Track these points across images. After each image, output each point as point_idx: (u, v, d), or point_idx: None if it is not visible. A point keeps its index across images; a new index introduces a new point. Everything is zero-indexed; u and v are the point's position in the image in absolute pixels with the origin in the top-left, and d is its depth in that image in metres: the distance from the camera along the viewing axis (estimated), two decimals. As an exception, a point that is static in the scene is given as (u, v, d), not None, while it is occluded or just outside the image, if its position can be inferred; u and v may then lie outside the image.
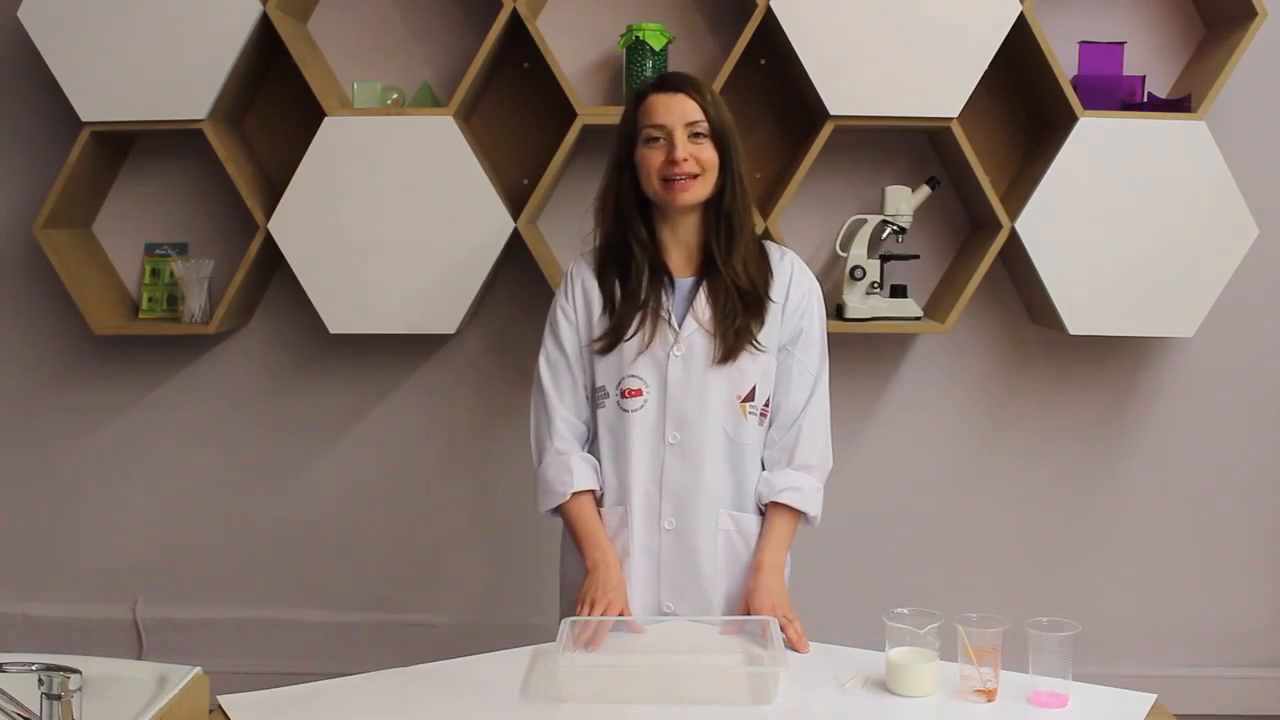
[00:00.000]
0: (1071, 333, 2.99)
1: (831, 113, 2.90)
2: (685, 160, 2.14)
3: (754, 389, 2.21)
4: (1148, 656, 3.34)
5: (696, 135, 2.17)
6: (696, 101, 2.17)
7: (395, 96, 3.09)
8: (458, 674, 1.93)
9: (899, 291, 3.10)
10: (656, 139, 2.17)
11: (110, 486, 3.38)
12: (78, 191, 3.13)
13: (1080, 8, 3.14)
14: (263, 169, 3.20)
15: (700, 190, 2.17)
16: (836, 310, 3.10)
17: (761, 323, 2.21)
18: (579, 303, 2.27)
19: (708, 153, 2.17)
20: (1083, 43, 3.07)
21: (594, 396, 2.26)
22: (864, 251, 3.06)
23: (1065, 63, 3.01)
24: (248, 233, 3.11)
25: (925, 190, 3.07)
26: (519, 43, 3.10)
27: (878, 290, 3.07)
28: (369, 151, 2.97)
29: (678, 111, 2.17)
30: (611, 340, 2.21)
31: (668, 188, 2.16)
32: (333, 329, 3.04)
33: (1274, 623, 3.36)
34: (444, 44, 3.19)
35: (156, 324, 3.20)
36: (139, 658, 3.34)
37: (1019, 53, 2.99)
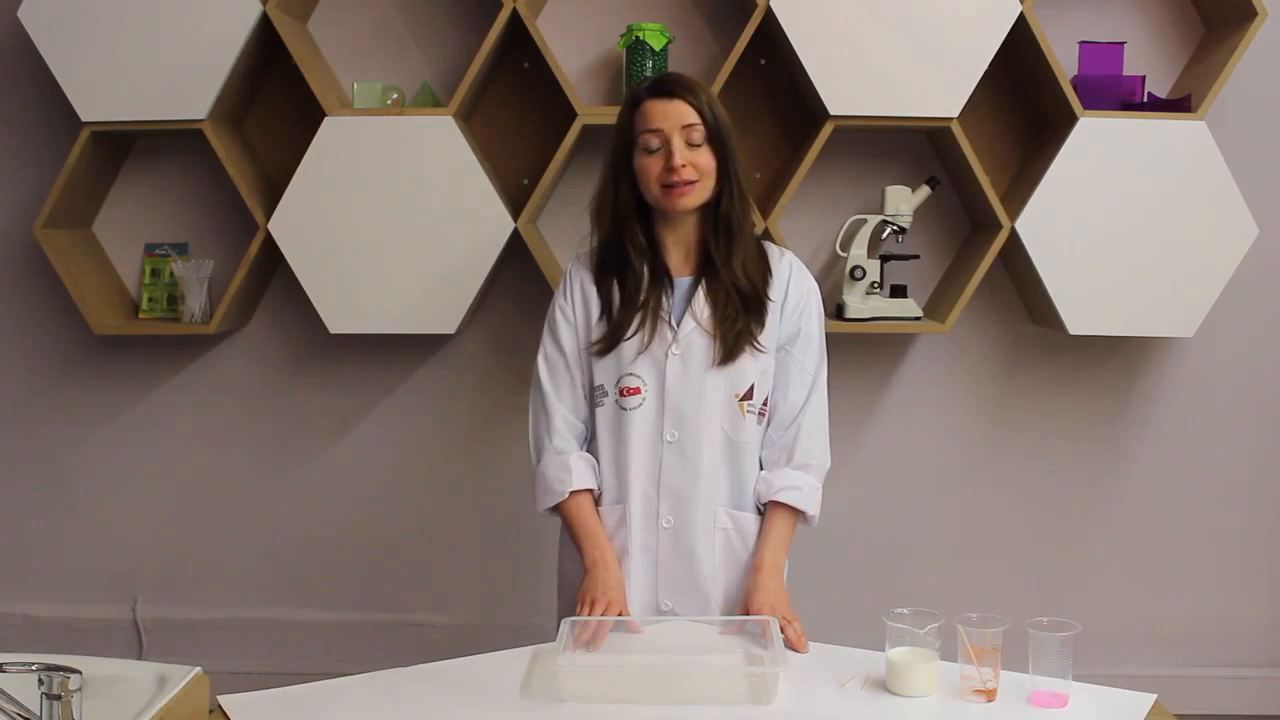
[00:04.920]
0: (1071, 333, 2.99)
1: (831, 113, 2.90)
2: (684, 167, 2.14)
3: (752, 388, 2.22)
4: (1148, 656, 3.34)
5: (693, 140, 2.17)
6: (692, 105, 2.17)
7: (395, 96, 3.09)
8: (458, 674, 1.93)
9: (899, 291, 3.10)
10: (654, 146, 2.17)
11: (110, 486, 3.38)
12: (78, 191, 3.13)
13: (1080, 8, 3.14)
14: (263, 169, 3.20)
15: (699, 195, 2.18)
16: (836, 310, 3.10)
17: (762, 324, 2.21)
18: (578, 303, 2.27)
19: (705, 158, 2.17)
20: (1083, 43, 3.07)
21: (592, 395, 2.26)
22: (864, 251, 3.06)
23: (1065, 63, 3.01)
24: (248, 233, 3.11)
25: (925, 190, 3.07)
26: (519, 43, 3.10)
27: (878, 290, 3.07)
28: (369, 151, 2.97)
29: (674, 117, 2.16)
30: (610, 343, 2.22)
31: (667, 194, 2.17)
32: (333, 329, 3.04)
33: (1274, 623, 3.36)
34: (444, 44, 3.19)
35: (156, 324, 3.20)
36: (139, 658, 3.35)
37: (1019, 53, 2.99)
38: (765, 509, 2.25)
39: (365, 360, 3.31)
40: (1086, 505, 3.33)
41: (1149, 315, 3.01)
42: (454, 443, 3.34)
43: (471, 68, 2.96)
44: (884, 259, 3.08)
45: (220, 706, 1.79)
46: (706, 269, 2.22)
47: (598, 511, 2.24)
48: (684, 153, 2.15)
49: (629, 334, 2.20)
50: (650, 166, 2.17)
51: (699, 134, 2.16)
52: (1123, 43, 3.07)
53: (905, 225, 3.05)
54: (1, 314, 3.35)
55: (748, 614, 2.13)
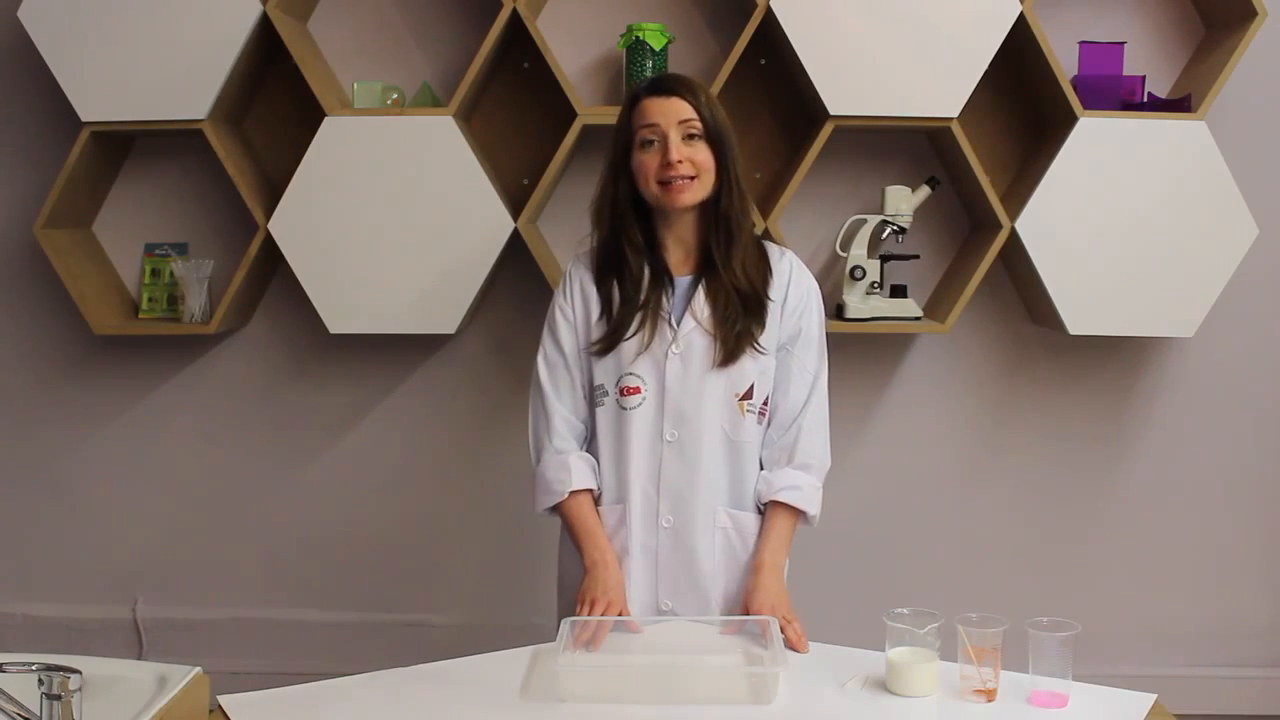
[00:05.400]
0: (1071, 333, 2.99)
1: (831, 113, 2.90)
2: (680, 162, 2.14)
3: (752, 387, 2.22)
4: (1148, 656, 3.34)
5: (690, 136, 2.17)
6: (690, 102, 2.17)
7: (395, 96, 3.09)
8: (458, 674, 1.93)
9: (899, 291, 3.10)
10: (651, 141, 2.17)
11: (110, 486, 3.38)
12: (78, 191, 3.13)
13: (1080, 8, 3.14)
14: (263, 169, 3.20)
15: (697, 192, 2.17)
16: (836, 310, 3.10)
17: (762, 324, 2.21)
18: (577, 303, 2.27)
19: (702, 154, 2.17)
20: (1083, 43, 3.07)
21: (592, 395, 2.26)
22: (864, 251, 3.06)
23: (1065, 63, 3.01)
24: (248, 233, 3.11)
25: (925, 190, 3.07)
26: (519, 43, 3.10)
27: (878, 290, 3.07)
28: (369, 151, 2.97)
29: (671, 113, 2.17)
30: (609, 343, 2.22)
31: (665, 190, 2.17)
32: (333, 329, 3.04)
33: (1274, 623, 3.36)
34: (444, 44, 3.19)
35: (156, 324, 3.20)
36: (139, 658, 3.35)
37: (1019, 53, 2.99)
38: (765, 509, 2.25)
39: (365, 360, 3.31)
40: (1086, 505, 3.33)
41: (1149, 315, 3.01)
42: (454, 443, 3.34)
43: (471, 68, 2.96)
44: (884, 259, 3.08)
45: (220, 706, 1.79)
46: (706, 268, 2.22)
47: (597, 511, 2.24)
48: (680, 148, 2.15)
49: (629, 334, 2.20)
50: (648, 162, 2.17)
51: (696, 129, 2.17)
52: (1123, 43, 3.07)
53: (905, 225, 3.05)
54: (1, 314, 3.35)
55: (748, 614, 2.13)
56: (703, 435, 2.20)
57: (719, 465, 2.22)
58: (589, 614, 2.08)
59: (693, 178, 2.16)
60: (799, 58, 2.88)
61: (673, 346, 2.20)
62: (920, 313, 3.10)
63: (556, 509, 2.24)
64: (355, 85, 3.08)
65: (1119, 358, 3.28)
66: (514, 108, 3.19)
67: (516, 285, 3.24)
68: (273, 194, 3.08)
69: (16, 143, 3.27)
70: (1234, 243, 2.98)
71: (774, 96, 3.17)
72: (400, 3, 3.19)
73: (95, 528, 3.39)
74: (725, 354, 2.18)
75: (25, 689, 1.44)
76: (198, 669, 1.68)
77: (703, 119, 2.17)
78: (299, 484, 3.37)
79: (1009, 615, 1.82)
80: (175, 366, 3.35)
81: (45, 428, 3.37)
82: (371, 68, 3.19)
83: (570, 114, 2.98)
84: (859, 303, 3.06)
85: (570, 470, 2.22)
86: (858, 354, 3.24)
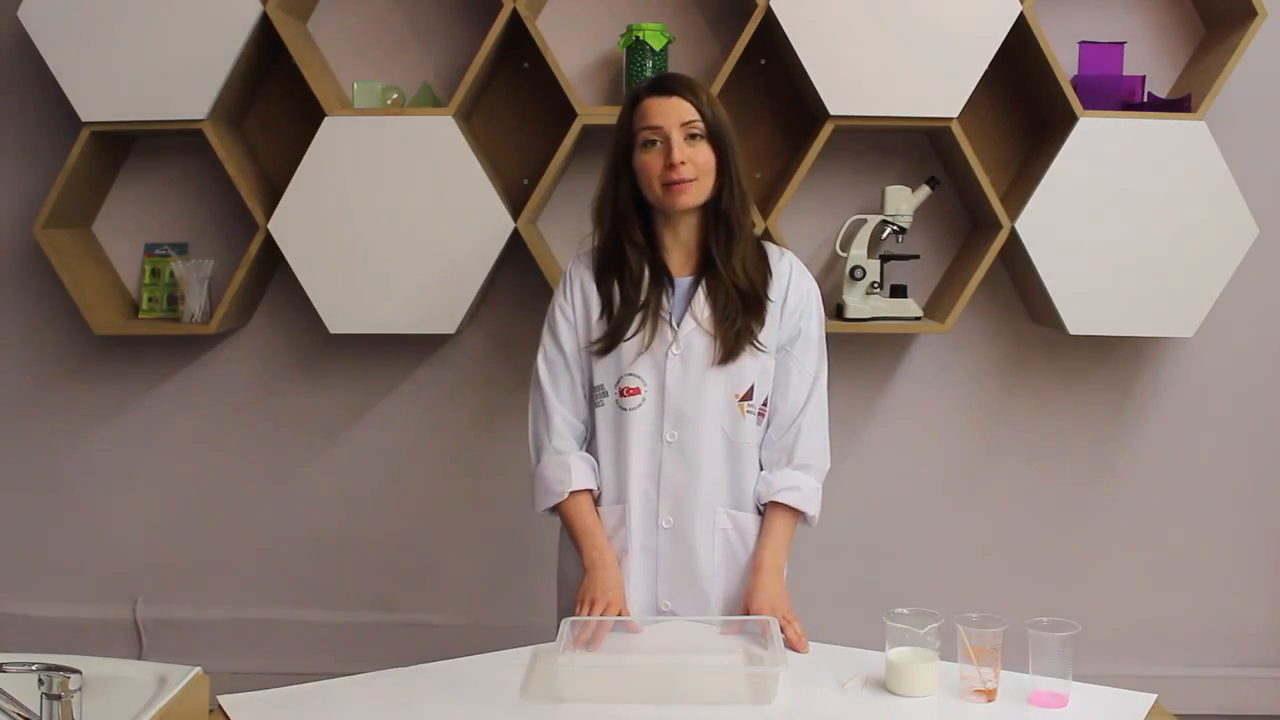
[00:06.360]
0: (1071, 333, 2.99)
1: (831, 113, 2.91)
2: (683, 164, 2.14)
3: (752, 388, 2.22)
4: (1148, 656, 3.34)
5: (692, 136, 2.17)
6: (691, 103, 2.17)
7: (395, 96, 3.09)
8: (458, 674, 1.93)
9: (899, 291, 3.10)
10: (653, 142, 2.17)
11: (110, 486, 3.38)
12: (78, 191, 3.13)
13: (1080, 8, 3.15)
14: (263, 169, 3.21)
15: (698, 193, 2.18)
16: (836, 310, 3.10)
17: (761, 323, 2.21)
18: (577, 303, 2.27)
19: (704, 155, 2.17)
20: (1083, 43, 3.07)
21: (592, 395, 2.26)
22: (864, 251, 3.07)
23: (1065, 63, 3.01)
24: (248, 233, 3.11)
25: (925, 190, 3.07)
26: (519, 43, 3.10)
27: (878, 290, 3.07)
28: (369, 151, 2.97)
29: (673, 114, 2.16)
30: (610, 343, 2.22)
31: (667, 191, 2.17)
32: (333, 329, 3.04)
33: (1274, 623, 3.36)
34: (444, 44, 3.19)
35: (156, 324, 3.20)
36: (139, 658, 3.35)
37: (1019, 53, 2.99)
38: (765, 509, 2.25)
39: (365, 360, 3.31)
40: (1086, 505, 3.33)
41: (1149, 315, 3.01)
42: (454, 443, 3.34)
43: (471, 68, 2.96)
44: (884, 259, 3.08)
45: (220, 706, 1.79)
46: (707, 269, 2.22)
47: (597, 511, 2.24)
48: (683, 149, 2.15)
49: (629, 334, 2.20)
50: (650, 163, 2.17)
51: (698, 130, 2.17)
52: (1123, 43, 3.07)
53: (905, 225, 3.05)
54: (1, 314, 3.35)
55: (748, 614, 2.13)
56: (702, 436, 2.20)
57: (719, 466, 2.22)
58: (588, 614, 2.08)
59: (693, 180, 2.16)
60: (799, 58, 2.88)
61: (673, 347, 2.20)
62: (920, 313, 3.10)
63: (556, 509, 2.24)
64: (355, 85, 3.08)
65: (1119, 358, 3.28)
66: (514, 108, 3.19)
67: (516, 285, 3.24)
68: (273, 194, 3.08)
69: (16, 143, 3.27)
70: (1234, 243, 2.98)
71: (774, 96, 3.17)
72: (400, 3, 3.19)
73: (95, 528, 3.39)
74: (725, 351, 2.18)
75: (25, 689, 1.44)
76: (198, 669, 1.68)
77: (705, 119, 2.17)
78: (299, 484, 3.37)
79: (1009, 615, 1.83)
80: (175, 366, 3.35)
81: (45, 428, 3.37)
82: (371, 68, 3.19)
83: (570, 114, 2.98)
84: (859, 303, 3.06)
85: (570, 470, 2.22)
86: (858, 354, 3.24)
